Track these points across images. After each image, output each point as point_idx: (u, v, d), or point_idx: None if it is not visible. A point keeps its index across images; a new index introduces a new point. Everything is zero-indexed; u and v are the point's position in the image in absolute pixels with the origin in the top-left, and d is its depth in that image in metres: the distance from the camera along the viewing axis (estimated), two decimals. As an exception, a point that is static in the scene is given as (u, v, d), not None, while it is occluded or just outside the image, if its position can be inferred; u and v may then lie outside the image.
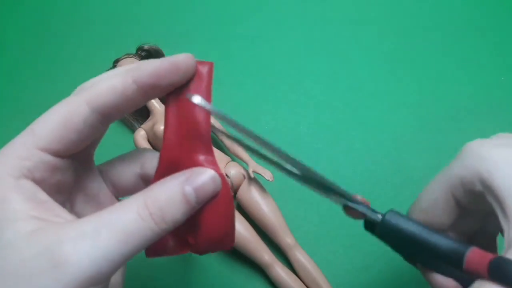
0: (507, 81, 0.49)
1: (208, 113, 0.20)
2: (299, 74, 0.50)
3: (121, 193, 0.24)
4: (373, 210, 0.22)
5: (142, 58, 0.46)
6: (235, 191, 0.39)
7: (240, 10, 0.55)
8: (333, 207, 0.46)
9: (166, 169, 0.20)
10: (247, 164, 0.40)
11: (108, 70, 0.46)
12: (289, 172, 0.22)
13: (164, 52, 0.48)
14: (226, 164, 0.39)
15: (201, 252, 0.21)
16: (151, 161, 0.22)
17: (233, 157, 0.41)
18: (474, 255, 0.19)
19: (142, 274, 0.39)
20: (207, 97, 0.20)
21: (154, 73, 0.18)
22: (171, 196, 0.18)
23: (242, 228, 0.37)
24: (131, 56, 0.45)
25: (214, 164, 0.20)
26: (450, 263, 0.20)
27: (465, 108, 0.47)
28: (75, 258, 0.15)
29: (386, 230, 0.22)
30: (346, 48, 0.52)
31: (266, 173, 0.38)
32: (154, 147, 0.41)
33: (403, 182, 0.43)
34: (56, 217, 0.17)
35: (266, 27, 0.54)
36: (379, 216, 0.22)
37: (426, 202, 0.22)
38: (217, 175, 0.20)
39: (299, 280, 0.37)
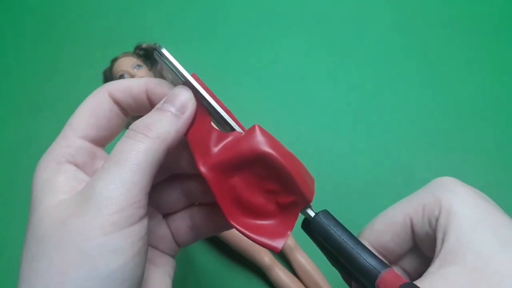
0: (509, 82, 0.49)
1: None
2: (299, 74, 0.50)
3: None
4: (309, 206, 0.22)
5: (140, 57, 0.46)
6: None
7: (240, 10, 0.55)
8: (333, 208, 0.46)
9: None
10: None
11: (106, 69, 0.47)
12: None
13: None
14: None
15: (308, 198, 0.21)
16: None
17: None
18: (389, 276, 0.19)
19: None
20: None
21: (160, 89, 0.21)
22: (150, 115, 0.19)
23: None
24: (129, 54, 0.45)
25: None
26: (367, 279, 0.20)
27: (466, 108, 0.47)
28: (99, 188, 0.17)
29: (317, 229, 0.21)
30: (346, 48, 0.52)
31: None
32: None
33: (404, 182, 0.43)
34: None
35: (266, 27, 0.53)
36: (313, 214, 0.22)
37: (381, 224, 0.23)
38: (192, 96, 0.20)
39: (300, 282, 0.37)
